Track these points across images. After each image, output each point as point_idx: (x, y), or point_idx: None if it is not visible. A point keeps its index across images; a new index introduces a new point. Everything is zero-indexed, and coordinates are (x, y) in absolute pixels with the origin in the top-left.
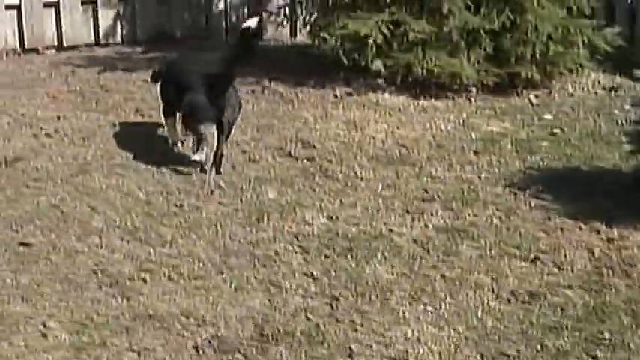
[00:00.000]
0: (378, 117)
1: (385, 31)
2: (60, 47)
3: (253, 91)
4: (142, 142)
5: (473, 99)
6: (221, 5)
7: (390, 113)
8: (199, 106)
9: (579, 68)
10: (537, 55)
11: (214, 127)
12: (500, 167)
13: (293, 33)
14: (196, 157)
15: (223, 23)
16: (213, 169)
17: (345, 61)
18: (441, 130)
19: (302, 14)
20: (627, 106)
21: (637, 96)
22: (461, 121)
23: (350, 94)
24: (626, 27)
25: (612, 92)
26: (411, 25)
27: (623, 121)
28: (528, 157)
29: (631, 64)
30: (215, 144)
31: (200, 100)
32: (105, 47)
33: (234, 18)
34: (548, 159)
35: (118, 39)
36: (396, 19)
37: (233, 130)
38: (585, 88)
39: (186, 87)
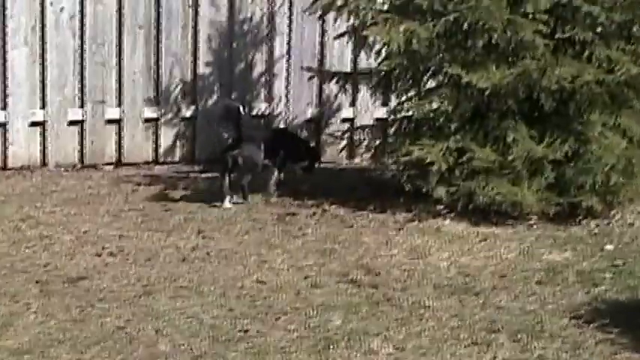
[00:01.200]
0: (440, 244)
1: (450, 158)
2: (118, 164)
3: (314, 214)
4: (204, 264)
5: (533, 227)
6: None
7: (451, 241)
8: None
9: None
10: (598, 185)
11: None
12: (564, 298)
13: (350, 155)
14: (225, 205)
15: None
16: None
17: (407, 187)
18: (503, 259)
19: (366, 139)
20: None
21: None
22: (523, 249)
23: (411, 220)
24: None
25: None
26: (476, 153)
27: None
28: (592, 289)
29: None
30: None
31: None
32: (163, 165)
33: None
34: (613, 291)
35: (177, 157)
36: (461, 146)
37: (252, 171)
38: None
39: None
